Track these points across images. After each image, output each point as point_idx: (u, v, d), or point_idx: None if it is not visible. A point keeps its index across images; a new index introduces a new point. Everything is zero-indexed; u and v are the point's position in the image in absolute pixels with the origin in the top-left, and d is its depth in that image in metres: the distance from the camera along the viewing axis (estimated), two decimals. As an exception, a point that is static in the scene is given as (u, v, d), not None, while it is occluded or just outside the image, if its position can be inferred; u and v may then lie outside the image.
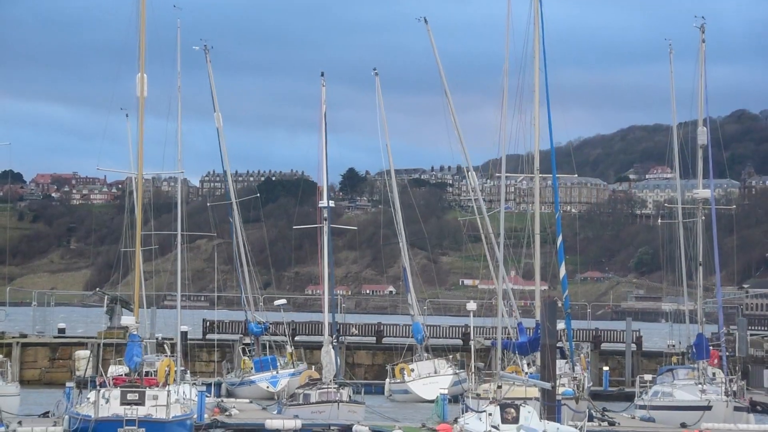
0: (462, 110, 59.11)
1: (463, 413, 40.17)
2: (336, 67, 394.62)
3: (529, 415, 37.69)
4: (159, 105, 48.98)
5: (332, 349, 49.47)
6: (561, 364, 52.95)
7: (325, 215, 52.68)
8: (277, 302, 68.54)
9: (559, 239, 49.47)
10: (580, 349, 62.49)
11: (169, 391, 37.55)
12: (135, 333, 40.48)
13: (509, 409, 37.79)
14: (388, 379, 64.21)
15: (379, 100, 68.40)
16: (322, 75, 53.89)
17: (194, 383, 48.20)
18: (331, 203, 53.68)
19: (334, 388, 46.73)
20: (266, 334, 66.16)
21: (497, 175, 51.41)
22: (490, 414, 37.30)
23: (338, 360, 49.72)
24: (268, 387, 60.49)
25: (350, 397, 46.87)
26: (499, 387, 40.98)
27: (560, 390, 45.61)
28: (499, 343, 50.58)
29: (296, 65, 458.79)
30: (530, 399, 40.36)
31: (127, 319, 41.68)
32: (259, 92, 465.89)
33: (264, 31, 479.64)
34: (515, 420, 37.48)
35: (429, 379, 61.52)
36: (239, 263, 67.27)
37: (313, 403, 46.18)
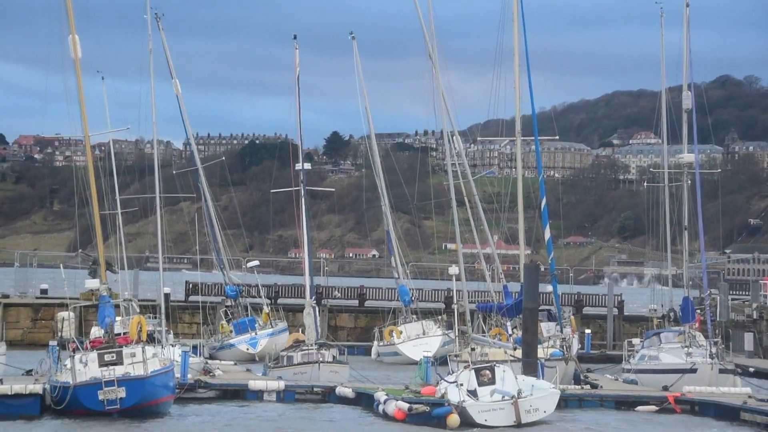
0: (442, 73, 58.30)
1: (440, 379, 40.24)
2: (307, 31, 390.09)
3: (504, 374, 37.91)
4: (105, 65, 48.19)
5: (313, 311, 49.55)
6: (550, 327, 53.03)
7: (302, 177, 52.53)
8: (249, 264, 68.32)
9: (543, 202, 49.43)
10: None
11: (144, 348, 37.51)
12: (105, 294, 40.40)
13: (484, 371, 38.00)
14: (375, 342, 64.08)
15: (357, 64, 67.90)
16: (295, 38, 53.46)
17: (178, 344, 48.18)
18: (307, 165, 53.46)
19: (315, 349, 46.84)
20: (241, 297, 66.13)
21: (479, 139, 51.34)
22: (461, 384, 37.45)
23: (317, 322, 49.77)
24: (247, 349, 60.49)
25: (334, 357, 46.99)
26: (473, 349, 41.34)
27: (549, 351, 45.74)
28: (467, 307, 50.86)
29: (259, 27, 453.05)
30: (506, 361, 40.56)
31: (90, 282, 41.62)
32: (222, 54, 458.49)
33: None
34: (491, 381, 37.71)
35: (419, 341, 61.44)
36: (211, 226, 67.10)
37: (295, 365, 46.29)
